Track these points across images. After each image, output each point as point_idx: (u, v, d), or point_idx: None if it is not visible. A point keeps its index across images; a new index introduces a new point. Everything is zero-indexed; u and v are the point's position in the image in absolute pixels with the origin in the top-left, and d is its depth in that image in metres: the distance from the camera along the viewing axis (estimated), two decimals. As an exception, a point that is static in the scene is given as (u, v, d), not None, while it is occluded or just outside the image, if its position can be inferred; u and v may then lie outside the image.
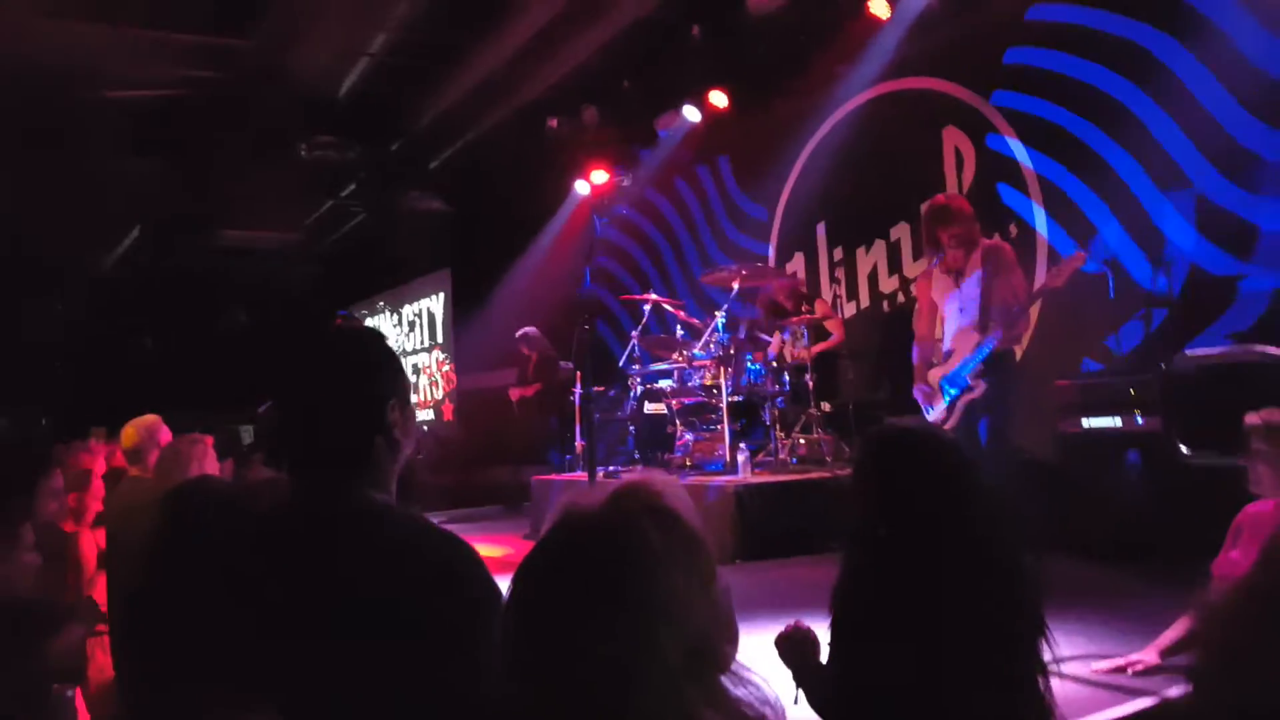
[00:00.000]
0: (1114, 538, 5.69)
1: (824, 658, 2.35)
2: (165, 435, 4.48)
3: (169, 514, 2.17)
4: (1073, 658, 3.78)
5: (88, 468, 5.32)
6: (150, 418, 4.57)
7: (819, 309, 8.67)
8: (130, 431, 4.53)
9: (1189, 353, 5.57)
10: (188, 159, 12.05)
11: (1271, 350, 5.03)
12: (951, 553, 2.11)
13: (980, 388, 5.59)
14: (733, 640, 1.24)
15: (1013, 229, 7.74)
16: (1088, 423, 6.12)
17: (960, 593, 2.07)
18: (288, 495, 1.75)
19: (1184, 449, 5.17)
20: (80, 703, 4.05)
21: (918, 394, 6.00)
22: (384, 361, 1.85)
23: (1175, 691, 1.32)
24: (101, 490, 5.12)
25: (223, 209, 12.20)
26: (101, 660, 3.81)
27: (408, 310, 17.17)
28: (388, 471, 1.80)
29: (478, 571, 1.67)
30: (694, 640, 1.12)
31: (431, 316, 16.31)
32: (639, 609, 1.10)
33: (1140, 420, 5.78)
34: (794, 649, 2.41)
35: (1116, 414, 5.94)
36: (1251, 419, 3.08)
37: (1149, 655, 3.58)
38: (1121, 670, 3.62)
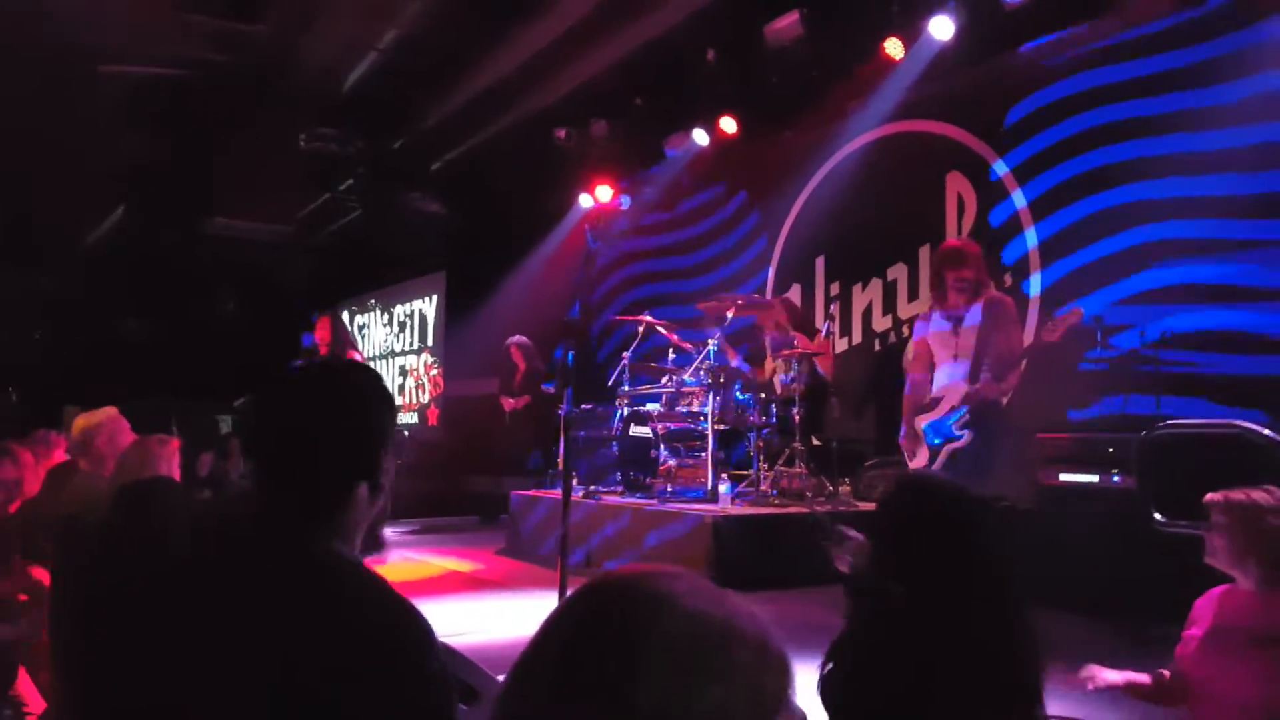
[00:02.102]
0: (1085, 593, 5.67)
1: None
2: (123, 432, 4.11)
3: (116, 517, 2.04)
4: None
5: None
6: (106, 412, 4.18)
7: (818, 343, 8.55)
8: (80, 423, 4.14)
9: (1168, 422, 5.57)
10: (185, 139, 11.90)
11: (1248, 425, 5.02)
12: (976, 609, 2.08)
13: (966, 437, 5.54)
14: None
15: (1008, 279, 7.74)
16: (1065, 477, 6.14)
17: (974, 646, 2.04)
18: (244, 524, 1.60)
19: (1158, 516, 5.18)
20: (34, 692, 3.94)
21: (902, 440, 5.93)
22: (383, 402, 1.72)
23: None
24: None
25: (216, 193, 12.05)
26: None
27: (399, 310, 17.05)
28: (359, 520, 1.66)
29: (422, 656, 1.48)
30: None
31: (423, 319, 16.20)
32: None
33: (1116, 479, 5.83)
34: None
35: (1094, 471, 5.98)
36: (1213, 496, 3.11)
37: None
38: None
